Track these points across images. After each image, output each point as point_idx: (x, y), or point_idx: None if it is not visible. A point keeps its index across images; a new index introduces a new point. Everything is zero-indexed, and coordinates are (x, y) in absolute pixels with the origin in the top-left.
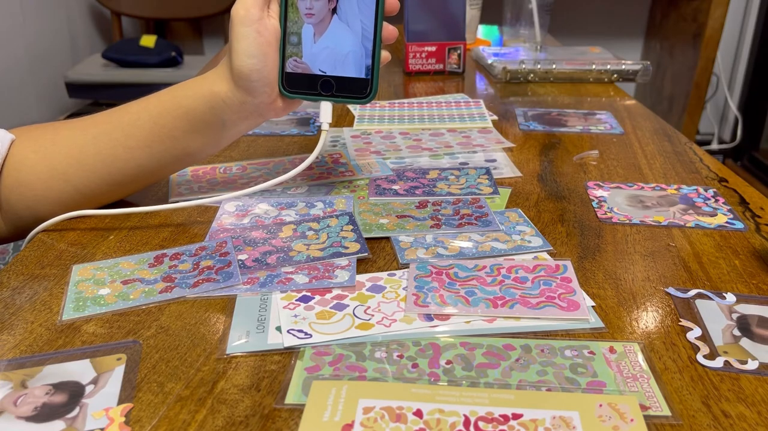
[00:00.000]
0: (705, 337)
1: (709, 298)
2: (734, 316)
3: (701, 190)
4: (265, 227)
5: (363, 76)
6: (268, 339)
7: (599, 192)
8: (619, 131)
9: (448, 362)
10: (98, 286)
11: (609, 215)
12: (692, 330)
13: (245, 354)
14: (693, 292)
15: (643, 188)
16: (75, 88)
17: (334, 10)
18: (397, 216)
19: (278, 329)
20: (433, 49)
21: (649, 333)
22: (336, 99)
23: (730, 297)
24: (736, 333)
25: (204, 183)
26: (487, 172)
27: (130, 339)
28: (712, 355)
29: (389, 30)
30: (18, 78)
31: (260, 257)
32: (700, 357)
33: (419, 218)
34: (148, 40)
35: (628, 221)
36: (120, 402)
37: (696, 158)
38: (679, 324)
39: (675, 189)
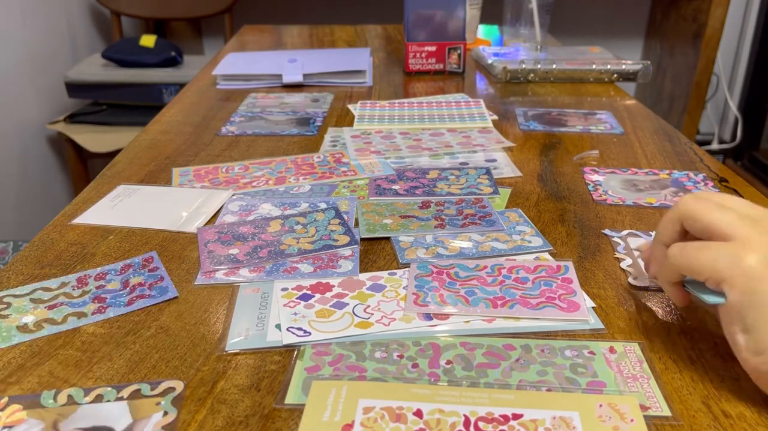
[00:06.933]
0: (635, 264)
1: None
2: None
3: (692, 174)
4: (252, 223)
5: None
6: (268, 337)
7: (595, 176)
8: (619, 130)
9: (448, 362)
10: (20, 314)
11: (604, 197)
12: (624, 260)
13: (245, 353)
14: (626, 232)
15: (636, 173)
16: (75, 88)
17: None
18: (400, 216)
19: (278, 326)
20: (433, 49)
21: (649, 333)
22: None
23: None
24: None
25: (207, 183)
26: (487, 172)
27: (129, 338)
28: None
29: None
30: (18, 78)
31: (251, 251)
32: (631, 280)
33: (423, 219)
34: (148, 40)
35: (621, 203)
36: None
37: (696, 158)
38: (614, 257)
39: (667, 174)
